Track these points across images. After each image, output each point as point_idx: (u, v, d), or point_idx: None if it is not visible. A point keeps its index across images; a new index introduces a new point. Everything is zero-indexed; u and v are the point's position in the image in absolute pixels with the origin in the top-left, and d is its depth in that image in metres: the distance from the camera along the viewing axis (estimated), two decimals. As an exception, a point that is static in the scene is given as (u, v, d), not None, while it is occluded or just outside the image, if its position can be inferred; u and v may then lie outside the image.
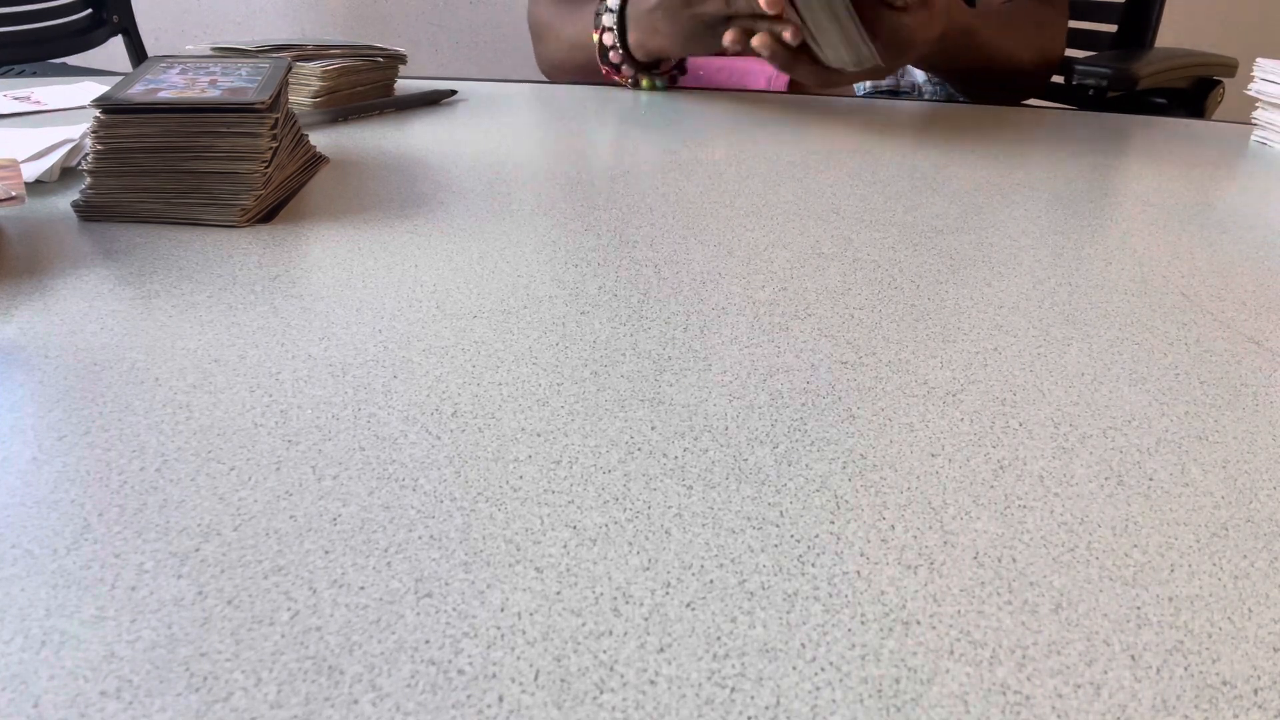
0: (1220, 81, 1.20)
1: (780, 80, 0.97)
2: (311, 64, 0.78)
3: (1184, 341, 0.39)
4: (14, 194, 0.47)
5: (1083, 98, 1.00)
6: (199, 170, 0.51)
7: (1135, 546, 0.26)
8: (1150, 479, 0.29)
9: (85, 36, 1.65)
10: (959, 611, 0.23)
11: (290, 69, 0.62)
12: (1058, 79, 1.04)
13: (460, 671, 0.21)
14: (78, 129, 0.66)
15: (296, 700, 0.20)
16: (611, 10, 0.79)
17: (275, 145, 0.53)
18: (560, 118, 0.83)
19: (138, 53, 1.70)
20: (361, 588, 0.23)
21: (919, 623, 0.22)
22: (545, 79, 1.06)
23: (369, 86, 0.84)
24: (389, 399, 0.32)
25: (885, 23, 0.64)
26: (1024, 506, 0.27)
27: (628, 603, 0.23)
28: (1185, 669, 0.21)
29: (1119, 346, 0.38)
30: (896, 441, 0.30)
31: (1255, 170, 0.72)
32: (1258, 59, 0.85)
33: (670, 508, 0.26)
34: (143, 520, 0.25)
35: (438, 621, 0.22)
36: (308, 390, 0.32)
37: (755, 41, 0.71)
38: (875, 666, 0.21)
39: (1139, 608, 0.23)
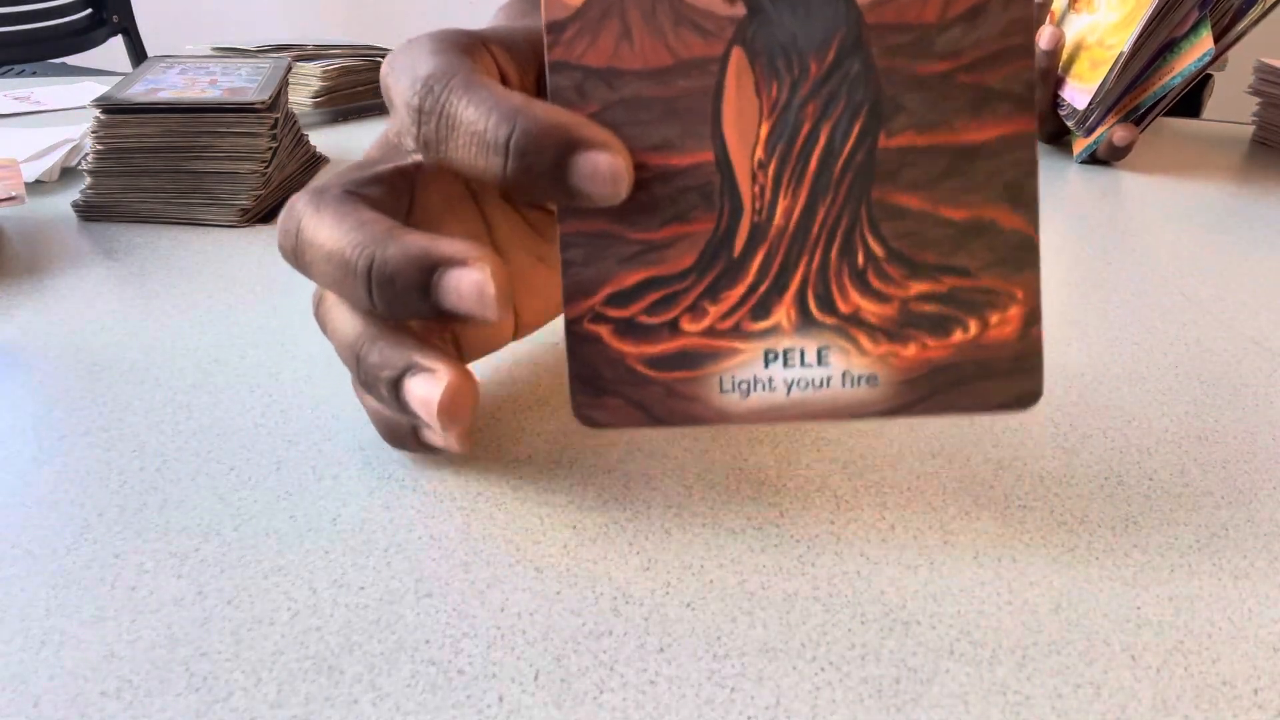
0: (1211, 75, 1.20)
1: None
2: (311, 64, 0.78)
3: (1184, 341, 0.39)
4: (14, 194, 0.47)
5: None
6: (199, 170, 0.51)
7: (1135, 546, 0.26)
8: (1150, 479, 0.29)
9: (85, 36, 1.65)
10: (959, 611, 0.23)
11: (290, 69, 0.62)
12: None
13: (460, 671, 0.21)
14: (78, 129, 0.66)
15: (296, 700, 0.20)
16: None
17: (275, 145, 0.53)
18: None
19: (138, 53, 1.70)
20: (361, 588, 0.23)
21: (919, 623, 0.22)
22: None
23: (369, 86, 0.84)
24: (389, 399, 0.32)
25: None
26: (1024, 506, 0.27)
27: (628, 603, 0.23)
28: (1185, 669, 0.21)
29: (1119, 346, 0.38)
30: (896, 441, 0.30)
31: (1255, 170, 0.72)
32: (1257, 59, 0.85)
33: (670, 508, 0.26)
34: (143, 520, 0.25)
35: (438, 621, 0.22)
36: (308, 390, 0.32)
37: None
38: (875, 666, 0.21)
39: (1139, 608, 0.23)
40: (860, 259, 0.24)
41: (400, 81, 0.25)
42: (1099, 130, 0.69)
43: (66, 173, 0.59)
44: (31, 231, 0.49)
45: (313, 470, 0.28)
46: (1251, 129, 0.85)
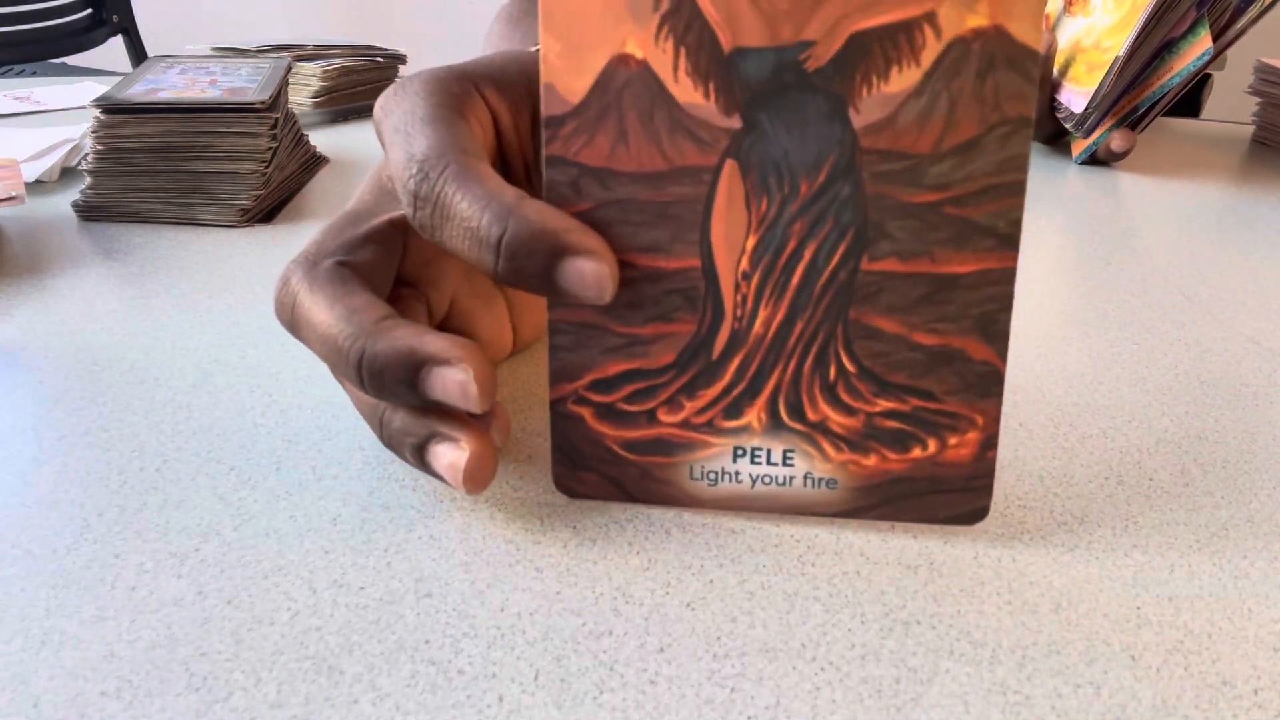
0: (1211, 75, 1.20)
1: None
2: (311, 64, 0.78)
3: (1184, 341, 0.39)
4: (14, 194, 0.47)
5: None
6: (199, 170, 0.51)
7: (1135, 546, 0.26)
8: (1150, 479, 0.29)
9: (85, 36, 1.65)
10: (959, 611, 0.23)
11: (290, 69, 0.62)
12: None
13: (460, 671, 0.21)
14: (78, 129, 0.66)
15: (296, 700, 0.20)
16: None
17: (275, 145, 0.53)
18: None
19: (138, 53, 1.70)
20: (361, 588, 0.23)
21: (919, 623, 0.22)
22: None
23: (369, 86, 0.84)
24: (389, 399, 0.32)
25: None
26: (1024, 506, 0.27)
27: (628, 603, 0.23)
28: (1185, 669, 0.21)
29: (1119, 346, 0.38)
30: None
31: (1255, 170, 0.72)
32: (1257, 59, 0.85)
33: (670, 508, 0.26)
34: (143, 520, 0.25)
35: (438, 621, 0.22)
36: (308, 390, 0.32)
37: None
38: (875, 666, 0.21)
39: (1139, 608, 0.23)
40: (832, 373, 0.25)
41: (394, 148, 0.25)
42: (1098, 131, 0.69)
43: (66, 173, 0.59)
44: (31, 231, 0.49)
45: (313, 470, 0.28)
46: (1251, 129, 0.85)
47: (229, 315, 0.39)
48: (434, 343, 0.24)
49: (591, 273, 0.23)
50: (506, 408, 0.27)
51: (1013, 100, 0.23)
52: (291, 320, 0.26)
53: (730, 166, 0.24)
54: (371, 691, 0.20)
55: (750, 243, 0.24)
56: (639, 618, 0.22)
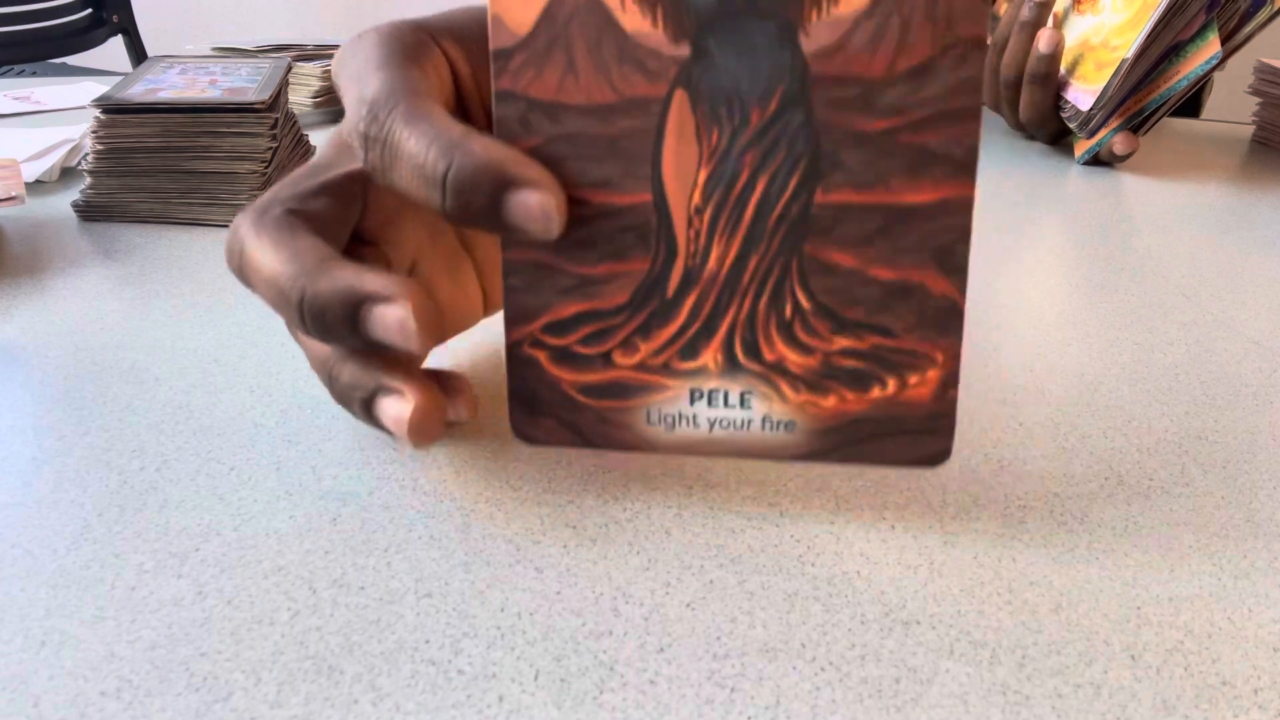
0: (1211, 75, 1.21)
1: None
2: (311, 64, 0.78)
3: (1184, 341, 0.39)
4: (14, 194, 0.47)
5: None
6: (199, 170, 0.51)
7: (1135, 546, 0.26)
8: (1150, 479, 0.29)
9: (85, 36, 1.65)
10: (959, 611, 0.23)
11: (290, 69, 0.62)
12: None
13: (460, 671, 0.21)
14: (78, 129, 0.66)
15: (296, 700, 0.20)
16: None
17: (275, 145, 0.53)
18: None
19: (138, 53, 1.70)
20: (361, 588, 0.23)
21: (919, 623, 0.22)
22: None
23: (369, 86, 0.84)
24: (389, 399, 0.32)
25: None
26: (1024, 506, 0.27)
27: (628, 603, 0.23)
28: (1185, 669, 0.21)
29: (1119, 346, 0.38)
30: (896, 441, 0.30)
31: (1255, 170, 0.72)
32: (1257, 59, 0.85)
33: (670, 508, 0.26)
34: (143, 520, 0.25)
35: (438, 621, 0.22)
36: (308, 390, 0.32)
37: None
38: (875, 666, 0.21)
39: (1139, 608, 0.23)
40: (788, 310, 0.25)
41: (348, 94, 0.25)
42: (1103, 132, 0.69)
43: (66, 173, 0.59)
44: (31, 231, 0.49)
45: (313, 470, 0.28)
46: (1251, 129, 0.84)
47: (229, 315, 0.39)
48: (373, 280, 0.23)
49: (537, 204, 0.23)
50: (471, 383, 0.27)
51: (966, 20, 0.22)
52: (240, 268, 0.25)
53: (680, 97, 0.23)
54: (371, 691, 0.20)
55: (702, 176, 0.24)
56: (639, 618, 0.22)
